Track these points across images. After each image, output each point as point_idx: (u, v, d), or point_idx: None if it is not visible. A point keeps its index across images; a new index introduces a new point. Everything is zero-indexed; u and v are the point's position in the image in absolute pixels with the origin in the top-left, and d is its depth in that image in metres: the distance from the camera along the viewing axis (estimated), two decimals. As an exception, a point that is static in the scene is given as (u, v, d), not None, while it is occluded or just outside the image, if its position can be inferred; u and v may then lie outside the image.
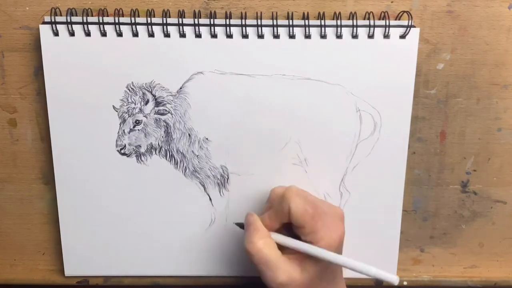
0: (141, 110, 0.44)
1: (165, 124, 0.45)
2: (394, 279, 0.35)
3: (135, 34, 0.43)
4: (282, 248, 0.39)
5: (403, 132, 0.45)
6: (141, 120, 0.45)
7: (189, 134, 0.45)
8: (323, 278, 0.38)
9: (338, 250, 0.38)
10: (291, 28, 0.42)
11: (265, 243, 0.38)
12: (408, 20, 0.42)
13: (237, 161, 0.46)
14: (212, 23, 0.42)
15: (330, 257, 0.36)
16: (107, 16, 0.43)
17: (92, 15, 0.43)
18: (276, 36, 0.43)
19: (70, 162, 0.45)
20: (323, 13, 0.43)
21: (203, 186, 0.46)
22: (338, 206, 0.41)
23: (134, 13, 0.43)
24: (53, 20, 0.42)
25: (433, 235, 0.50)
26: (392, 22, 0.43)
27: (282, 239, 0.39)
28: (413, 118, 0.46)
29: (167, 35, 0.43)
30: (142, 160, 0.46)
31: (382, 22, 0.43)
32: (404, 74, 0.44)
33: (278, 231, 0.40)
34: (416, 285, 0.50)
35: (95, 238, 0.47)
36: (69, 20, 0.42)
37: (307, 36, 0.43)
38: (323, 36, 0.43)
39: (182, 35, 0.43)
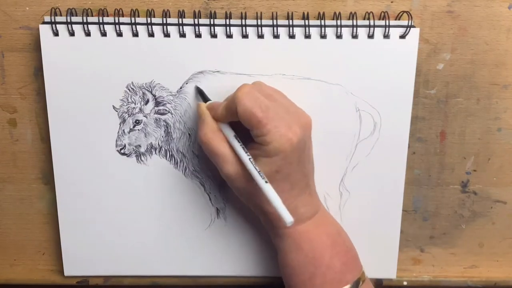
0: (141, 110, 0.44)
1: (165, 124, 0.45)
2: (288, 219, 0.36)
3: (135, 34, 0.43)
4: None
5: (403, 132, 0.45)
6: (141, 120, 0.45)
7: (189, 134, 0.45)
8: (274, 179, 0.38)
9: (290, 156, 0.38)
10: (291, 28, 0.42)
11: (213, 137, 0.39)
12: (408, 20, 0.42)
13: (237, 161, 0.46)
14: (212, 23, 0.42)
15: (255, 177, 0.37)
16: (107, 16, 0.43)
17: (92, 15, 0.43)
18: (276, 36, 0.43)
19: (70, 162, 0.45)
20: (323, 13, 0.43)
21: (203, 186, 0.46)
22: (306, 114, 0.40)
23: (134, 13, 0.43)
24: (53, 20, 0.42)
25: (433, 235, 0.50)
26: (392, 22, 0.43)
27: (229, 136, 0.39)
28: (413, 118, 0.46)
29: (167, 35, 0.43)
30: (142, 160, 0.46)
31: (382, 22, 0.43)
32: (404, 74, 0.44)
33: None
34: (416, 285, 0.50)
35: (95, 238, 0.47)
36: (69, 20, 0.42)
37: (307, 36, 0.43)
38: (323, 36, 0.43)
39: (182, 35, 0.43)
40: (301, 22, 0.43)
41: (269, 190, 0.37)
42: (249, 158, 0.38)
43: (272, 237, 0.43)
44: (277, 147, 0.37)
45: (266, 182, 0.37)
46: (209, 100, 0.43)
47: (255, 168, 0.37)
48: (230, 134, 0.39)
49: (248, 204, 0.42)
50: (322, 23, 0.42)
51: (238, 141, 0.39)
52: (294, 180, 0.39)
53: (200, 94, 0.44)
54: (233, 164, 0.39)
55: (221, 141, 0.39)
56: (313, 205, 0.42)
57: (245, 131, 0.39)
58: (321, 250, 0.40)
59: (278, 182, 0.38)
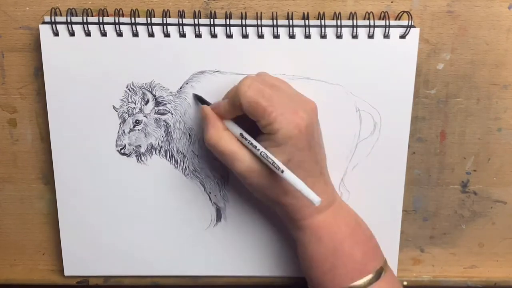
0: (141, 110, 0.44)
1: (165, 124, 0.45)
2: (316, 199, 0.36)
3: (135, 34, 0.43)
4: None
5: (403, 132, 0.45)
6: (141, 120, 0.45)
7: (189, 134, 0.45)
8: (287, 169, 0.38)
9: (300, 142, 0.37)
10: (291, 28, 0.42)
11: (221, 136, 0.39)
12: (408, 20, 0.42)
13: (237, 161, 0.46)
14: (212, 23, 0.42)
15: (271, 167, 0.37)
16: (107, 16, 0.43)
17: (92, 15, 0.43)
18: (276, 36, 0.43)
19: (70, 162, 0.45)
20: (323, 13, 0.43)
21: (203, 186, 0.46)
22: (310, 100, 0.40)
23: (134, 13, 0.43)
24: (53, 20, 0.42)
25: (433, 235, 0.50)
26: (392, 22, 0.43)
27: (236, 131, 0.39)
28: (413, 118, 0.46)
29: (167, 35, 0.43)
30: (142, 160, 0.46)
31: (382, 22, 0.43)
32: (404, 74, 0.44)
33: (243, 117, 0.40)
34: (416, 285, 0.50)
35: (95, 238, 0.47)
36: (69, 20, 0.42)
37: (307, 36, 0.43)
38: (323, 36, 0.43)
39: (182, 35, 0.43)
40: (301, 22, 0.43)
41: (289, 176, 0.36)
42: (261, 152, 0.37)
43: (290, 230, 0.43)
44: (286, 134, 0.37)
45: (282, 171, 0.36)
46: (209, 104, 0.42)
47: (270, 159, 0.37)
48: (238, 130, 0.39)
49: (263, 200, 0.42)
50: (322, 23, 0.42)
51: (247, 136, 0.39)
52: (307, 168, 0.39)
53: (200, 100, 0.44)
54: (244, 160, 0.38)
55: (230, 140, 0.39)
56: (329, 194, 0.41)
57: (251, 127, 0.39)
58: (341, 240, 0.40)
59: (292, 171, 0.38)
